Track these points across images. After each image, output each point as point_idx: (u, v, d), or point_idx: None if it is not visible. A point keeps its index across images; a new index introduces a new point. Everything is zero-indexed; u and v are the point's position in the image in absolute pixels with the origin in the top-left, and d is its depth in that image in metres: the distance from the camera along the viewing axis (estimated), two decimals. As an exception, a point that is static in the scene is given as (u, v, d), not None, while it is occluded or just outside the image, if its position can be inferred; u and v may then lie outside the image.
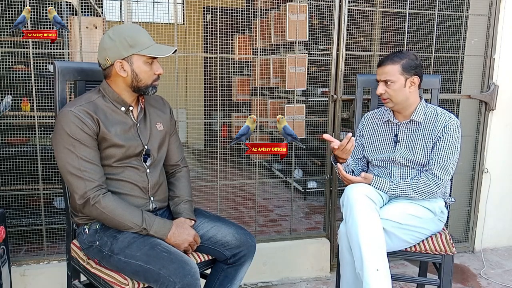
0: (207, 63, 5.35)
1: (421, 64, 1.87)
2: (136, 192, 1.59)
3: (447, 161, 1.82)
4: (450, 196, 2.01)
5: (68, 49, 2.35)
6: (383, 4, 2.65)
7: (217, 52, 2.35)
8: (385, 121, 1.99)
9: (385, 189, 1.84)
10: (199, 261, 1.63)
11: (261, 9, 2.42)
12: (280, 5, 3.09)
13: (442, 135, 1.84)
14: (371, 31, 3.07)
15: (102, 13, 2.83)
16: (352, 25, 2.58)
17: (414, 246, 1.85)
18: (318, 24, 2.87)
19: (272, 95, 4.14)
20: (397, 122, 1.95)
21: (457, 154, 1.84)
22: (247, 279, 2.47)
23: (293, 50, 3.34)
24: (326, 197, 2.69)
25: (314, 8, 2.64)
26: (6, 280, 1.91)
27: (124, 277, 1.47)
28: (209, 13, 5.68)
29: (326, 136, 1.79)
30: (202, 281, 1.58)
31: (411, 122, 1.92)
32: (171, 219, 1.66)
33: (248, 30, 3.79)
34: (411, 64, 1.83)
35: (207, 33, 5.16)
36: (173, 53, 1.55)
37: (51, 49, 2.22)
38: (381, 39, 2.83)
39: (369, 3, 2.69)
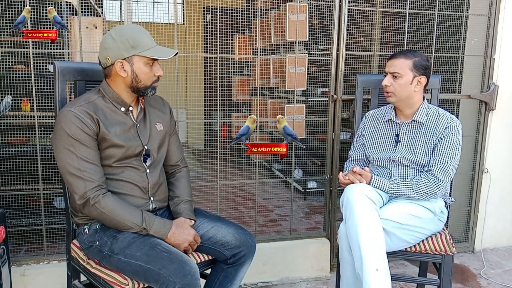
0: (207, 63, 5.34)
1: (431, 67, 1.88)
2: (136, 192, 1.60)
3: (447, 162, 1.82)
4: (450, 196, 2.01)
5: (68, 49, 2.35)
6: (383, 4, 2.65)
7: (217, 52, 2.35)
8: (386, 121, 1.99)
9: (385, 188, 1.84)
10: (199, 261, 1.63)
11: (261, 9, 2.42)
12: (280, 5, 3.09)
13: (444, 137, 1.84)
14: (371, 31, 3.07)
15: (102, 13, 2.83)
16: (352, 25, 2.58)
17: (414, 246, 1.85)
18: (318, 24, 2.87)
19: (272, 95, 4.14)
20: (398, 122, 1.95)
21: (458, 156, 1.84)
22: (247, 279, 2.47)
23: (293, 50, 3.34)
24: (326, 197, 2.69)
25: (314, 8, 2.64)
26: (6, 280, 1.91)
27: (124, 277, 1.47)
28: (209, 13, 5.68)
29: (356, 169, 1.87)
30: (202, 281, 1.58)
31: (413, 122, 1.91)
32: (171, 219, 1.66)
33: (248, 30, 3.79)
34: (422, 64, 1.84)
35: (207, 33, 5.16)
36: (174, 55, 1.55)
37: (51, 49, 2.22)
38: (381, 39, 2.83)
39: (369, 3, 2.69)
